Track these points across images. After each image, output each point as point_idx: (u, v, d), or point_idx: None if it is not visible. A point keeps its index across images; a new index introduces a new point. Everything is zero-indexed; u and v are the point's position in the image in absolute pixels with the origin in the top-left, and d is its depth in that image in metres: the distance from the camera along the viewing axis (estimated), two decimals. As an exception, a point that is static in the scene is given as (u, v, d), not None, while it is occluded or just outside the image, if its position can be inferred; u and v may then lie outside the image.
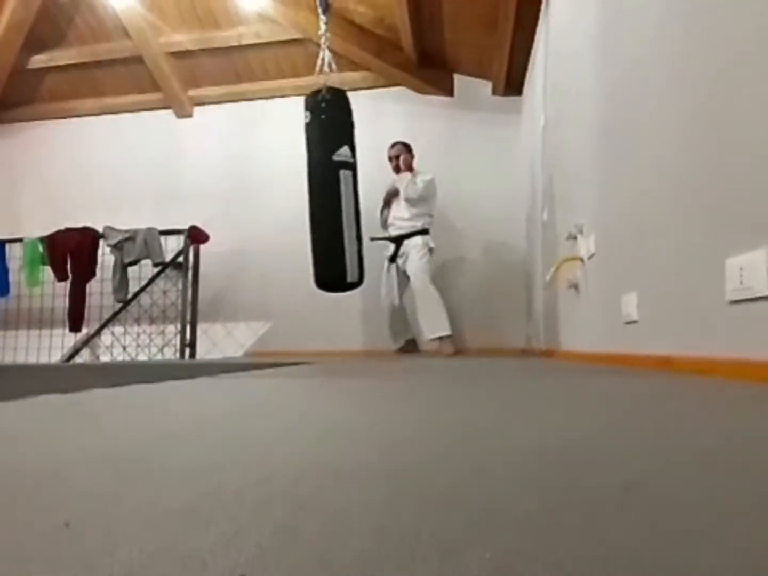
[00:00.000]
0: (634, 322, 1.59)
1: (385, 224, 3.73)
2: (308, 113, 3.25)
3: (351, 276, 3.16)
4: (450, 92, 4.45)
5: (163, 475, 0.37)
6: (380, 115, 4.53)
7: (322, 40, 3.44)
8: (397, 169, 3.71)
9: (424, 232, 3.58)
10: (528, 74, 3.90)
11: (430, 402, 0.85)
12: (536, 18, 3.29)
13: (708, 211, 1.14)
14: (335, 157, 3.17)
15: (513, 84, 4.13)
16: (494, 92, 4.32)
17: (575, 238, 2.25)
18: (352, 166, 3.24)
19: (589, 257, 2.09)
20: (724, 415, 0.64)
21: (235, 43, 4.47)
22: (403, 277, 3.62)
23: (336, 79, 3.41)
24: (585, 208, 2.18)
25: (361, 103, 4.55)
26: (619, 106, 1.74)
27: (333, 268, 3.18)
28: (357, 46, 4.29)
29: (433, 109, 4.45)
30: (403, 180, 3.64)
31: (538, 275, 3.32)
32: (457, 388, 1.12)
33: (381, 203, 3.72)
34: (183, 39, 4.51)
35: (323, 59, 3.41)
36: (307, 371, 1.84)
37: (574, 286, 2.31)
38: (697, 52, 1.19)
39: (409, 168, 3.69)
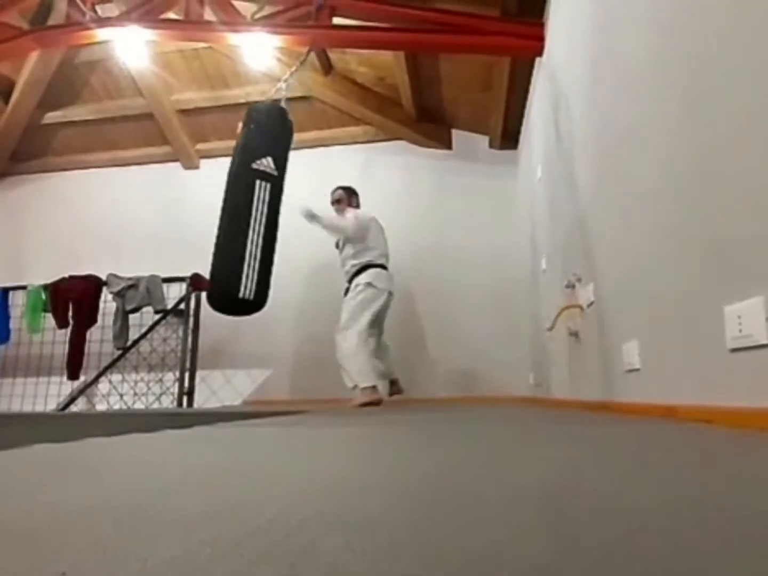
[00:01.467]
0: (636, 370, 1.58)
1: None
2: (240, 123, 3.14)
3: (245, 293, 2.79)
4: (448, 146, 4.62)
5: (160, 524, 0.36)
6: (380, 167, 4.68)
7: (293, 69, 3.44)
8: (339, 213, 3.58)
9: (367, 267, 3.34)
10: (523, 129, 4.06)
11: (435, 451, 0.84)
12: (530, 76, 3.46)
13: (704, 259, 1.16)
14: (254, 165, 2.95)
15: (509, 138, 4.30)
16: (491, 146, 4.49)
17: (574, 286, 2.27)
18: (273, 180, 2.99)
19: (589, 305, 2.10)
20: (726, 464, 0.63)
21: (242, 101, 4.68)
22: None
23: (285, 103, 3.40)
24: (582, 257, 2.21)
25: (362, 156, 4.74)
26: (613, 156, 1.80)
27: (227, 282, 2.84)
28: (359, 103, 4.50)
29: (432, 162, 4.61)
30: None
31: (541, 324, 3.32)
32: (461, 436, 1.10)
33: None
34: (193, 97, 4.73)
35: (284, 82, 3.38)
36: (306, 420, 1.81)
37: (575, 335, 2.31)
38: (691, 106, 1.25)
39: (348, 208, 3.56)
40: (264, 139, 3.08)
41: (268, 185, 2.96)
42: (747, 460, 0.66)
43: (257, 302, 2.91)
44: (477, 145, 4.52)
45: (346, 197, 3.63)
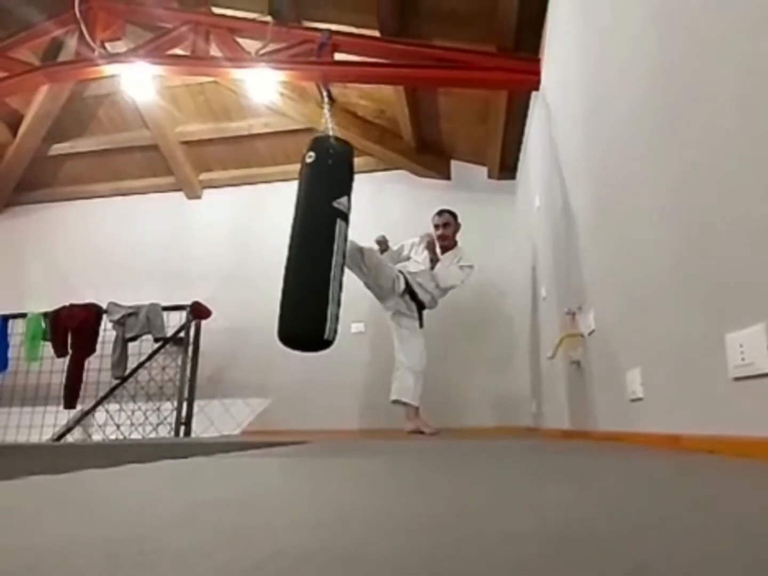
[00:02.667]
0: (640, 399, 1.56)
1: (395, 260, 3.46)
2: (312, 153, 3.03)
3: (328, 334, 2.78)
4: (447, 176, 4.69)
5: (156, 559, 0.35)
6: (381, 197, 4.74)
7: (327, 112, 3.36)
8: (442, 239, 3.48)
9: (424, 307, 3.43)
10: (521, 159, 4.13)
11: (436, 486, 0.83)
12: (527, 109, 3.55)
13: (705, 286, 1.16)
14: (335, 204, 2.91)
15: (507, 168, 4.37)
16: (490, 176, 4.56)
17: (574, 314, 2.27)
18: (347, 219, 2.98)
19: (590, 333, 2.09)
20: (732, 496, 0.62)
21: (245, 133, 4.79)
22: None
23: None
24: (582, 284, 2.22)
25: (363, 185, 4.78)
26: (610, 184, 1.83)
27: (312, 322, 2.81)
28: (359, 135, 4.59)
29: (431, 192, 4.67)
30: (447, 257, 3.47)
31: (541, 353, 3.31)
32: (463, 468, 1.08)
33: (407, 246, 3.53)
34: (197, 129, 4.84)
35: (326, 121, 3.31)
36: (306, 451, 1.78)
37: (577, 363, 2.30)
38: (688, 135, 1.28)
39: (454, 240, 3.51)
40: (341, 176, 3.02)
41: (345, 225, 2.93)
42: (755, 494, 0.65)
43: (333, 341, 2.88)
44: (476, 175, 4.60)
45: (454, 222, 3.52)
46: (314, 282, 2.82)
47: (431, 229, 3.57)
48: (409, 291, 3.38)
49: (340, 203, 2.91)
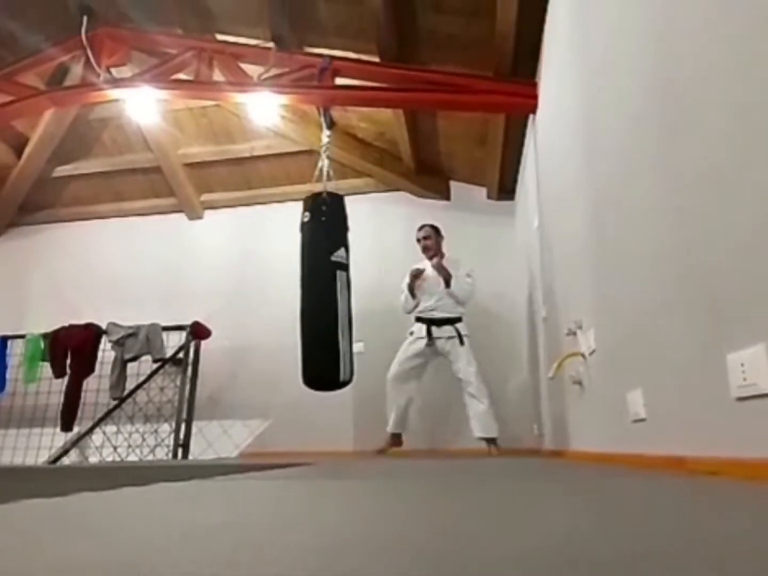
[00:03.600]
0: (642, 420, 1.55)
1: (413, 309, 3.58)
2: (307, 213, 3.38)
3: (344, 375, 3.20)
4: (447, 196, 4.74)
5: (153, 585, 0.35)
6: (381, 217, 4.78)
7: (323, 150, 3.67)
8: (425, 251, 3.65)
9: (461, 319, 3.51)
10: (519, 180, 4.18)
11: (438, 509, 0.81)
12: (524, 131, 3.60)
13: (705, 306, 1.16)
14: (333, 258, 3.28)
15: (506, 189, 4.42)
16: (489, 196, 4.60)
17: (575, 333, 2.26)
18: (346, 268, 3.34)
19: (591, 353, 2.08)
20: (735, 520, 0.61)
21: (247, 155, 4.85)
22: (431, 361, 3.56)
23: (332, 185, 3.61)
24: (582, 304, 2.22)
25: (363, 206, 4.84)
26: (607, 203, 1.84)
27: (327, 367, 3.20)
28: (359, 157, 4.65)
29: (430, 212, 4.70)
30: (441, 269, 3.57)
31: (542, 373, 3.29)
32: (464, 491, 1.07)
33: (405, 287, 3.61)
34: (199, 151, 4.91)
35: (322, 168, 3.61)
36: (304, 473, 1.75)
37: (578, 383, 2.28)
38: (687, 154, 1.29)
39: (439, 251, 3.64)
40: (335, 230, 3.38)
41: (345, 274, 3.31)
42: (761, 519, 0.64)
43: (351, 380, 3.31)
44: (475, 196, 4.64)
45: (434, 236, 3.68)
46: (323, 331, 3.20)
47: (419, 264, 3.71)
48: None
49: (337, 256, 3.28)
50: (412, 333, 3.54)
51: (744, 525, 0.57)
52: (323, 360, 3.20)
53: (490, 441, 3.27)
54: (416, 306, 3.58)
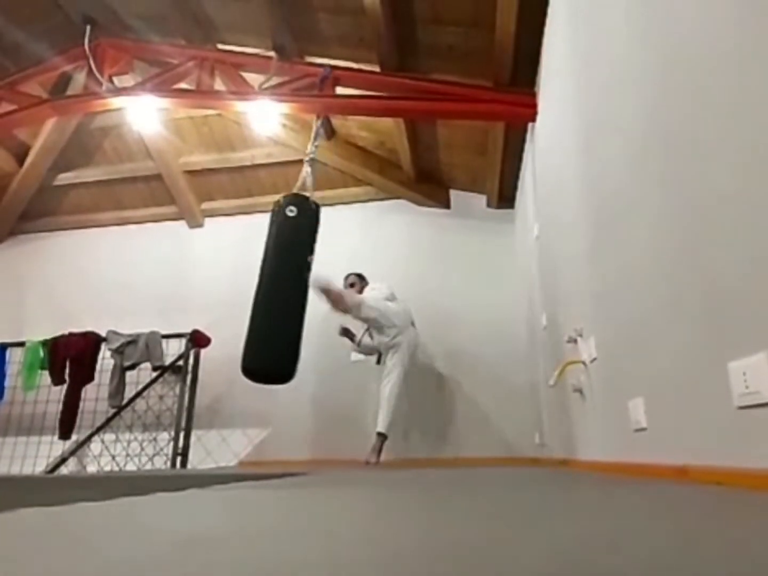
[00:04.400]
0: (644, 429, 1.54)
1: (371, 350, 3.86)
2: (294, 208, 3.42)
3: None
4: (446, 205, 4.75)
5: (148, 597, 0.34)
6: (381, 225, 4.79)
7: (307, 158, 3.67)
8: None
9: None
10: (519, 188, 4.19)
11: (438, 519, 0.81)
12: (523, 141, 3.62)
13: (706, 314, 1.16)
14: (309, 259, 3.37)
15: (506, 197, 4.43)
16: (488, 205, 4.61)
17: (575, 341, 2.26)
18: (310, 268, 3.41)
19: (591, 361, 2.07)
20: (744, 532, 0.60)
21: (248, 163, 4.87)
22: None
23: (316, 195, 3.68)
24: (582, 312, 2.22)
25: (363, 214, 4.86)
26: (607, 212, 1.84)
27: (283, 360, 3.24)
28: (360, 165, 4.67)
29: (430, 220, 4.72)
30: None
31: (543, 381, 3.27)
32: (466, 502, 1.06)
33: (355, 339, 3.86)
34: (200, 159, 4.93)
35: (306, 177, 3.65)
36: (303, 482, 1.74)
37: (579, 391, 2.27)
38: (687, 161, 1.30)
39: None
40: (313, 235, 3.45)
41: (309, 273, 3.37)
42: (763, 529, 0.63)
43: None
44: (474, 204, 4.65)
45: (359, 282, 3.93)
46: (291, 325, 3.24)
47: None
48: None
49: (311, 259, 3.37)
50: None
51: (752, 536, 0.56)
52: (280, 353, 3.23)
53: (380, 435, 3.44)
54: (373, 344, 3.81)
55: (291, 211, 3.41)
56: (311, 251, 3.38)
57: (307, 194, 3.52)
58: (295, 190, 3.61)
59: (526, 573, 0.39)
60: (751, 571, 0.40)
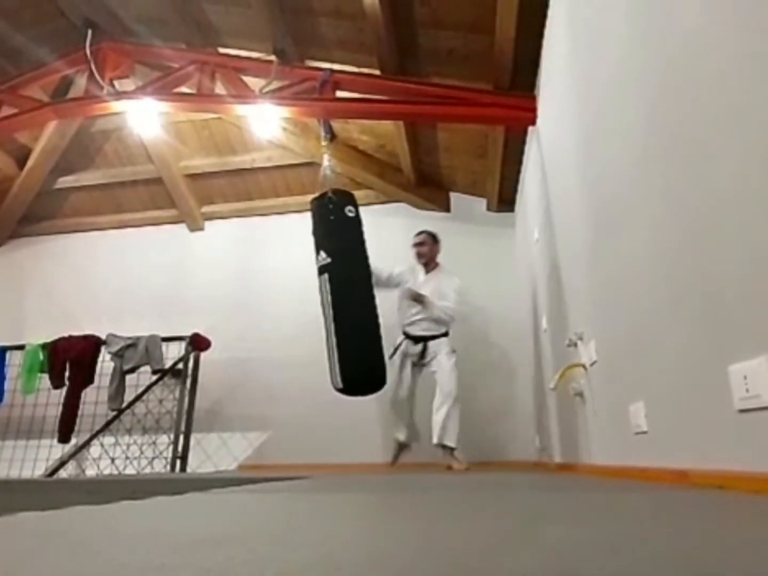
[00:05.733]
0: (644, 432, 1.53)
1: (385, 281, 3.57)
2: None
3: (333, 382, 3.04)
4: (446, 208, 4.75)
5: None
6: (381, 229, 4.77)
7: (326, 157, 3.59)
8: (419, 257, 3.62)
9: (447, 334, 3.47)
10: (519, 192, 4.19)
11: (436, 524, 0.80)
12: (524, 143, 3.62)
13: (706, 317, 1.16)
14: (317, 264, 3.17)
15: (506, 201, 4.43)
16: (488, 208, 4.62)
17: (576, 345, 2.25)
18: (330, 267, 3.14)
19: (592, 364, 2.07)
20: (745, 536, 0.60)
21: (248, 167, 4.88)
22: (417, 379, 3.48)
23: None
24: (582, 315, 2.21)
25: (363, 218, 4.85)
26: (606, 215, 1.84)
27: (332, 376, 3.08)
28: (360, 169, 4.68)
29: (430, 224, 4.69)
30: (430, 281, 3.54)
31: (544, 385, 3.27)
32: (466, 506, 1.05)
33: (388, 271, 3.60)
34: (201, 163, 4.94)
35: (325, 174, 3.51)
36: (303, 487, 1.73)
37: (579, 395, 2.27)
38: (685, 163, 1.30)
39: (433, 260, 3.62)
40: (315, 236, 3.26)
41: (326, 275, 3.12)
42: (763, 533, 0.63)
43: (344, 387, 3.04)
44: (474, 207, 4.65)
45: (430, 242, 3.64)
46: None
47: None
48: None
49: (318, 260, 3.16)
50: (396, 349, 3.48)
51: (755, 541, 0.56)
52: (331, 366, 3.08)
53: (447, 449, 3.19)
54: (387, 284, 3.55)
55: (351, 212, 3.25)
56: (317, 250, 3.19)
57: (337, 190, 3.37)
58: (323, 187, 3.44)
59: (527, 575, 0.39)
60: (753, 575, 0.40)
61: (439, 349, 3.40)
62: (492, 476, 2.31)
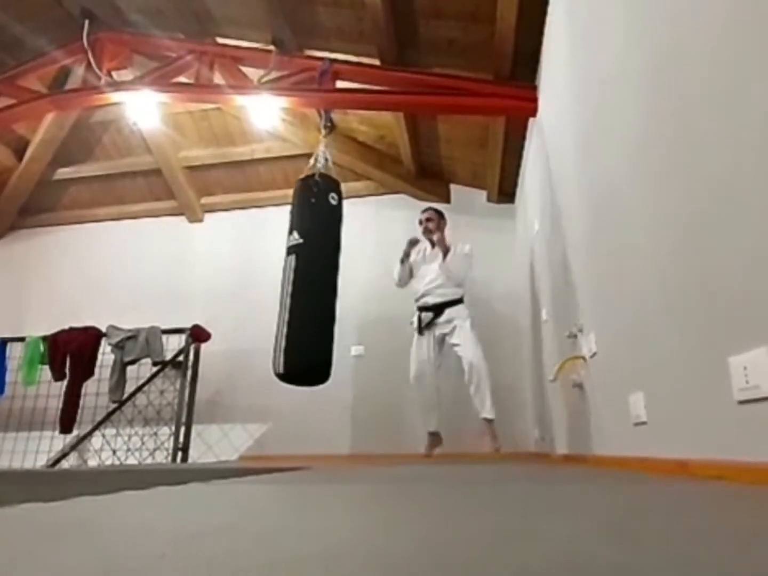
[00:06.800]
0: (644, 423, 1.54)
1: (406, 279, 3.58)
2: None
3: (275, 367, 2.93)
4: (447, 199, 4.74)
5: (149, 591, 0.34)
6: (381, 220, 4.78)
7: (321, 146, 3.53)
8: (427, 232, 3.61)
9: (462, 300, 3.44)
10: (519, 183, 4.18)
11: (435, 516, 0.81)
12: (524, 135, 3.61)
13: (706, 309, 1.16)
14: (288, 244, 3.15)
15: (506, 192, 4.42)
16: (489, 200, 4.60)
17: (575, 336, 2.26)
18: (299, 248, 3.08)
19: (591, 356, 2.08)
20: (744, 528, 0.60)
21: (247, 158, 4.86)
22: (441, 349, 3.44)
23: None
24: (582, 307, 2.22)
25: (363, 210, 4.84)
26: (606, 206, 1.84)
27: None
28: (360, 160, 4.66)
29: (431, 215, 4.69)
30: (438, 253, 3.52)
31: (544, 376, 3.28)
32: (464, 498, 1.06)
33: (400, 261, 3.59)
34: (200, 154, 4.91)
35: (317, 159, 3.45)
36: (303, 478, 1.74)
37: (579, 386, 2.27)
38: (682, 156, 1.29)
39: (441, 235, 3.57)
40: (292, 215, 3.23)
41: (293, 257, 3.07)
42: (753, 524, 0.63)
43: (285, 373, 2.95)
44: (475, 199, 4.64)
45: (437, 218, 3.63)
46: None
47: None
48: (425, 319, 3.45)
49: (289, 240, 3.13)
50: (412, 323, 3.47)
51: (754, 532, 0.56)
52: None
53: (490, 421, 3.19)
54: (410, 276, 3.56)
55: (333, 199, 3.19)
56: (290, 233, 3.13)
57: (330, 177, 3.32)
58: (313, 169, 3.37)
59: (528, 568, 0.39)
60: (752, 566, 0.40)
61: (459, 315, 3.35)
62: (491, 467, 2.32)
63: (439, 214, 3.69)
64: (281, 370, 2.90)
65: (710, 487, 0.97)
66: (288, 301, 2.98)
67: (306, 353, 2.91)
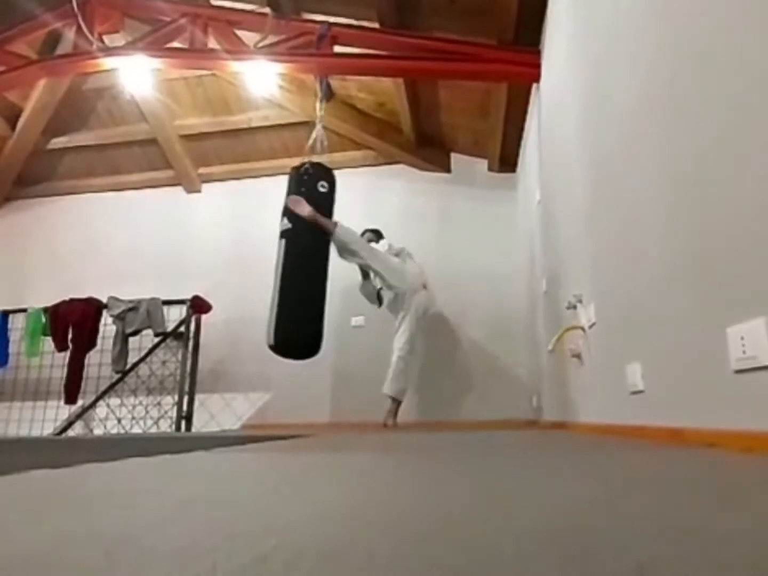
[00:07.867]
0: (641, 392, 1.56)
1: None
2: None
3: (268, 338, 3.18)
4: (447, 169, 4.67)
5: (154, 556, 0.35)
6: (380, 191, 4.73)
7: (318, 121, 3.67)
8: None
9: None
10: (521, 152, 4.11)
11: (437, 483, 0.83)
12: (526, 102, 3.52)
13: (705, 279, 1.16)
14: (283, 225, 3.40)
15: (507, 162, 4.35)
16: (490, 169, 4.53)
17: (575, 307, 2.26)
18: (289, 233, 3.35)
19: (590, 326, 2.09)
20: (736, 495, 0.61)
21: (244, 126, 4.76)
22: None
23: (325, 158, 3.62)
24: (582, 278, 2.21)
25: (362, 179, 4.78)
26: (608, 176, 1.82)
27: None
28: (359, 128, 4.57)
29: (431, 185, 4.64)
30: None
31: (542, 345, 3.30)
32: (463, 465, 1.08)
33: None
34: (196, 123, 4.81)
35: (316, 139, 3.64)
36: (305, 445, 1.78)
37: (577, 356, 2.29)
38: (684, 120, 1.27)
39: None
40: (285, 201, 3.47)
41: (284, 241, 3.33)
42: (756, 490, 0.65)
43: (276, 345, 3.21)
44: (476, 168, 4.57)
45: (375, 239, 3.86)
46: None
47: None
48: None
49: (281, 224, 3.40)
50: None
51: (745, 499, 0.57)
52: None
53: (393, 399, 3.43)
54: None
55: (323, 187, 3.39)
56: (282, 216, 3.39)
57: (321, 160, 3.53)
58: (309, 155, 3.58)
59: (519, 535, 0.40)
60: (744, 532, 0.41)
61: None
62: (490, 435, 2.36)
63: (376, 234, 3.91)
64: (272, 342, 3.19)
65: (700, 454, 0.99)
66: (278, 282, 3.22)
67: (292, 331, 3.20)
